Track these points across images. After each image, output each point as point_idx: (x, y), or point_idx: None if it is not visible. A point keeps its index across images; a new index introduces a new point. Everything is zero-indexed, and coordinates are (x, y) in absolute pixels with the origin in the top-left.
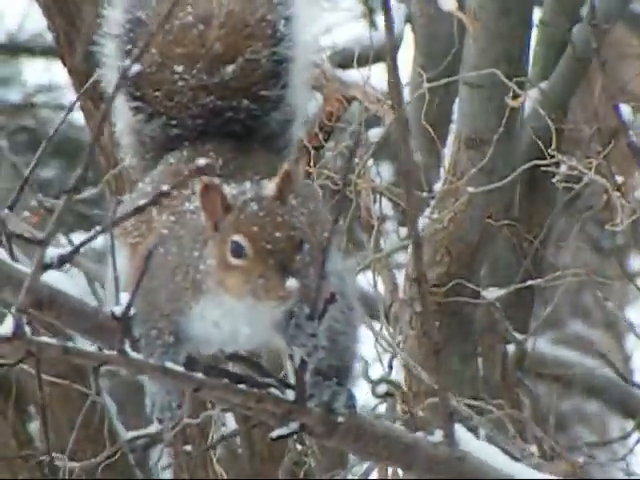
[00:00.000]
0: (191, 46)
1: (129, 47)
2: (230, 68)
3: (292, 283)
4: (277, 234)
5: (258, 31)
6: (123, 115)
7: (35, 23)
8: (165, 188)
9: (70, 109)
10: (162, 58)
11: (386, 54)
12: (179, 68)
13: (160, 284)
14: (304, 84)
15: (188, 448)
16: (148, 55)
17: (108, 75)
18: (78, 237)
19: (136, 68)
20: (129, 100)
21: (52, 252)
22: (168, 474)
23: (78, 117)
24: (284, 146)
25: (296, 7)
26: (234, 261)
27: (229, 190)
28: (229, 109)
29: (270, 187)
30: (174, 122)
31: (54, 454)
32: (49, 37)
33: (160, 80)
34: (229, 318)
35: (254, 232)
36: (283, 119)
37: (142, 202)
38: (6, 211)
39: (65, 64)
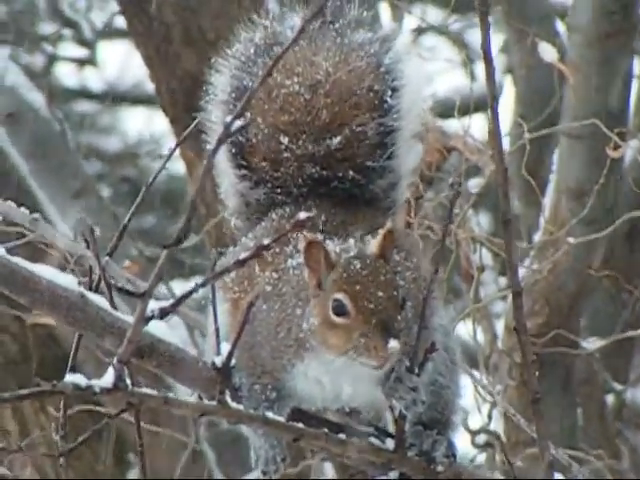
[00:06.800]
0: (297, 114)
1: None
2: (336, 139)
3: (394, 344)
4: (380, 293)
5: (365, 101)
6: (228, 178)
7: (135, 72)
8: (266, 242)
9: (168, 157)
10: (268, 127)
11: (486, 104)
12: (285, 139)
13: (263, 340)
14: (410, 151)
15: None
16: (254, 125)
17: (214, 141)
18: (178, 285)
19: (239, 124)
20: (234, 168)
21: (153, 303)
22: None
23: (179, 168)
24: (388, 207)
25: (404, 78)
26: (336, 319)
27: (332, 247)
28: (334, 179)
29: (373, 245)
30: (279, 190)
31: None
32: (150, 86)
33: (266, 150)
34: (331, 376)
35: (357, 291)
36: (388, 183)
37: (243, 255)
38: (106, 258)
39: (167, 114)
